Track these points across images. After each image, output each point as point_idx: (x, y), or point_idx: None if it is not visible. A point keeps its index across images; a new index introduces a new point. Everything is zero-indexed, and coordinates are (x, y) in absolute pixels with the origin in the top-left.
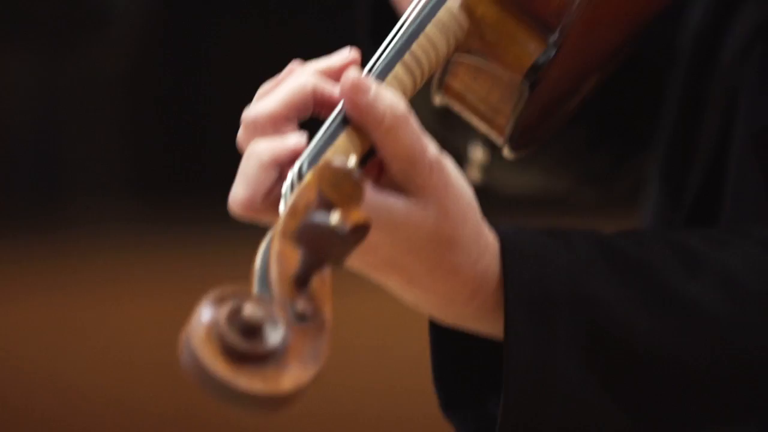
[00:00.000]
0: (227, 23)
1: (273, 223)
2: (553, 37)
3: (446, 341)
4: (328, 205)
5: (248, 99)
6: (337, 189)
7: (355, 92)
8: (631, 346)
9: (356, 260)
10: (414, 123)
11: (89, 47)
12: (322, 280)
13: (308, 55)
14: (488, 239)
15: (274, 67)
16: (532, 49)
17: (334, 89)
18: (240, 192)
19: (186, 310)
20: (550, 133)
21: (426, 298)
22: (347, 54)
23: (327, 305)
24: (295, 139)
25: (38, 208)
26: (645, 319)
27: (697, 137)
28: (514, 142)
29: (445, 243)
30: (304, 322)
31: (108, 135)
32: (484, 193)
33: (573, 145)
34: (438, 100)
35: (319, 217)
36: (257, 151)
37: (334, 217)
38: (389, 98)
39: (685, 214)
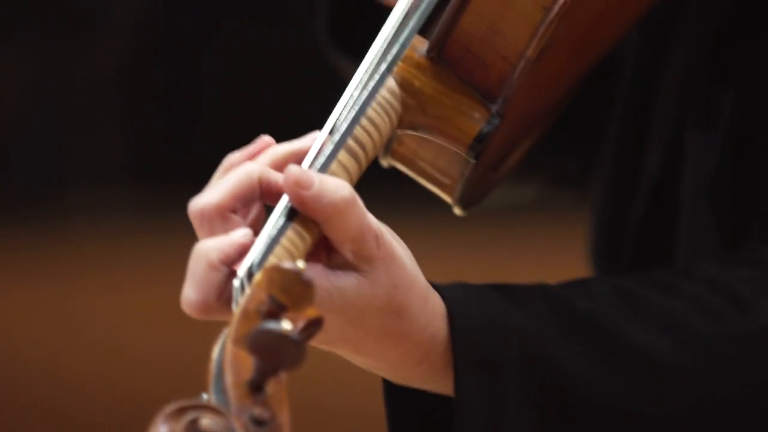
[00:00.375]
0: (226, 15)
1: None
2: (496, 107)
3: (400, 395)
4: (279, 308)
5: (245, 90)
6: (287, 292)
7: (299, 187)
8: (583, 401)
9: None
10: (359, 202)
11: (88, 38)
12: (278, 383)
13: (305, 51)
14: (435, 303)
15: (271, 60)
16: (475, 120)
17: (280, 178)
18: (192, 295)
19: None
20: (499, 183)
21: (376, 364)
22: (293, 144)
23: (284, 409)
24: (240, 234)
25: (37, 197)
26: (596, 373)
27: (641, 160)
28: (464, 202)
29: (395, 313)
30: (261, 428)
31: (106, 125)
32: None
33: (538, 153)
34: (385, 163)
35: (271, 324)
36: (204, 251)
37: (286, 324)
38: (332, 186)
39: (630, 236)
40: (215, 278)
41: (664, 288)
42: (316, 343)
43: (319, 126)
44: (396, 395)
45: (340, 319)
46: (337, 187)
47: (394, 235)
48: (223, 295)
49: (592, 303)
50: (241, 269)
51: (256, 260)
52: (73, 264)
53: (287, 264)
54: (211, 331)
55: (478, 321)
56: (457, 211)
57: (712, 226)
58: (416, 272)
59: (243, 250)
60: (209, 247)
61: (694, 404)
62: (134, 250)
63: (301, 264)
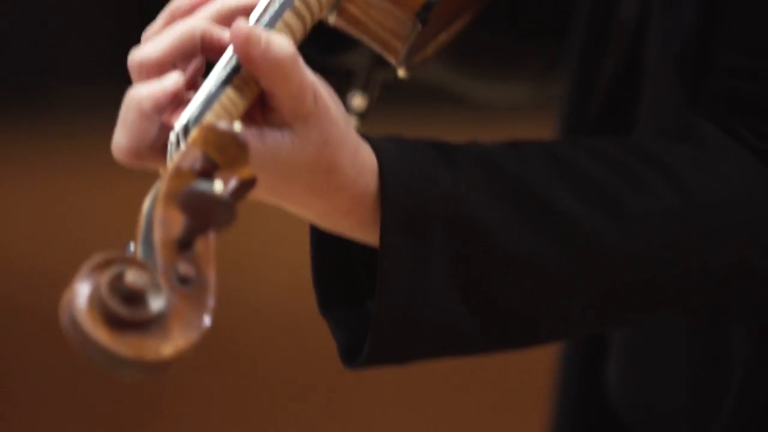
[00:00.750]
0: None
1: (159, 170)
2: None
3: (325, 242)
4: (213, 166)
5: None
6: (222, 152)
7: (247, 44)
8: (506, 266)
9: None
10: (301, 61)
11: None
12: (206, 243)
13: None
14: (366, 157)
15: None
16: None
17: (223, 34)
18: (122, 141)
19: None
20: (443, 47)
21: (303, 213)
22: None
23: (211, 268)
24: (173, 79)
25: (22, 92)
26: (522, 239)
27: (608, 37)
28: (407, 63)
29: (324, 169)
30: (186, 285)
31: (92, 19)
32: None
33: (499, 47)
34: (331, 20)
35: (203, 184)
36: (136, 98)
37: (218, 185)
38: (278, 44)
39: (594, 113)
40: (146, 126)
41: (600, 158)
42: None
43: None
44: (321, 240)
45: (270, 176)
46: (283, 45)
47: (329, 90)
48: (153, 143)
49: (525, 167)
50: (178, 124)
51: (193, 116)
52: (60, 159)
53: (224, 124)
54: None
55: (408, 178)
56: (401, 72)
57: (676, 97)
58: (348, 128)
59: (174, 98)
60: (141, 95)
61: (617, 278)
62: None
63: (237, 126)
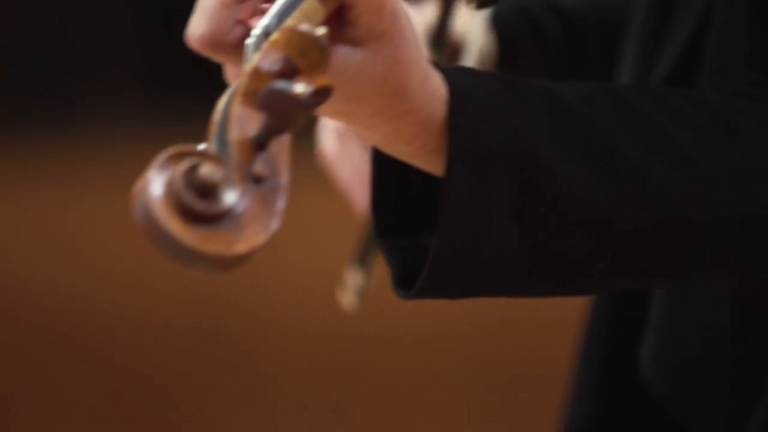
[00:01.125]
0: None
1: (229, 65)
2: None
3: (387, 168)
4: (293, 70)
5: None
6: (304, 55)
7: None
8: (566, 205)
9: None
10: None
11: None
12: (281, 144)
13: None
14: (435, 84)
15: None
16: None
17: None
18: (199, 27)
19: None
20: None
21: (368, 135)
22: None
23: (284, 169)
24: None
25: (49, 104)
26: (585, 179)
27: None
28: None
29: (392, 90)
30: (259, 185)
31: (117, 32)
32: None
33: None
34: None
35: (283, 84)
36: None
37: (299, 87)
38: None
39: (664, 69)
40: (224, 15)
41: (666, 108)
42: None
43: None
44: (382, 166)
45: (338, 94)
46: None
47: (405, 10)
48: (229, 35)
49: (592, 110)
50: (258, 26)
51: (274, 19)
52: (85, 171)
53: (308, 27)
54: None
55: (477, 109)
56: (472, 5)
57: (738, 62)
58: (420, 52)
59: None
60: None
61: (675, 227)
62: (145, 158)
63: (322, 30)
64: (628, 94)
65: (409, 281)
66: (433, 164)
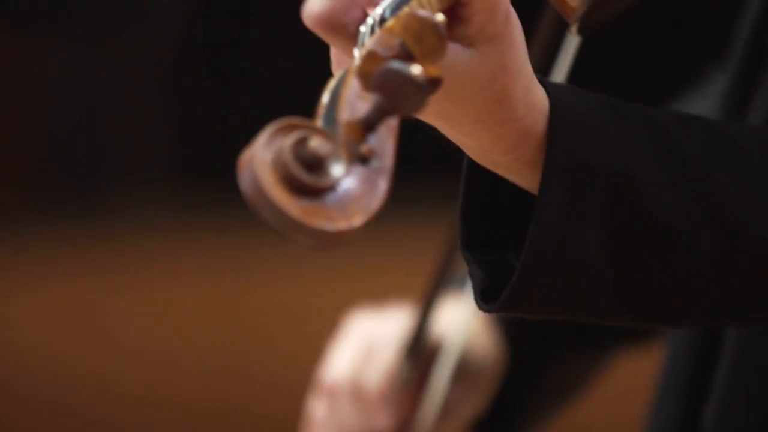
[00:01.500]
0: (267, 7)
1: (339, 50)
2: None
3: (479, 181)
4: (408, 56)
5: (287, 84)
6: (420, 42)
7: None
8: (653, 233)
9: None
10: None
11: (131, 35)
12: (389, 127)
13: None
14: (538, 96)
15: (313, 50)
16: None
17: None
18: (317, 5)
19: (222, 295)
20: (617, 13)
21: (466, 142)
22: None
23: (391, 152)
24: None
25: (81, 193)
26: (677, 210)
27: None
28: (584, 20)
29: (496, 96)
30: (366, 165)
31: (148, 121)
32: None
33: None
34: None
35: (400, 65)
36: None
37: (416, 69)
38: None
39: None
40: None
41: (763, 145)
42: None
43: None
44: (475, 178)
45: (443, 93)
46: None
47: (517, 18)
48: (346, 17)
49: (690, 139)
50: (375, 11)
51: (391, 6)
52: (116, 259)
53: (427, 13)
54: (243, 336)
55: (578, 125)
56: (574, 30)
57: None
58: (526, 60)
59: None
60: None
61: (759, 270)
62: (176, 246)
63: (440, 17)
64: (725, 128)
65: (491, 296)
66: (527, 177)
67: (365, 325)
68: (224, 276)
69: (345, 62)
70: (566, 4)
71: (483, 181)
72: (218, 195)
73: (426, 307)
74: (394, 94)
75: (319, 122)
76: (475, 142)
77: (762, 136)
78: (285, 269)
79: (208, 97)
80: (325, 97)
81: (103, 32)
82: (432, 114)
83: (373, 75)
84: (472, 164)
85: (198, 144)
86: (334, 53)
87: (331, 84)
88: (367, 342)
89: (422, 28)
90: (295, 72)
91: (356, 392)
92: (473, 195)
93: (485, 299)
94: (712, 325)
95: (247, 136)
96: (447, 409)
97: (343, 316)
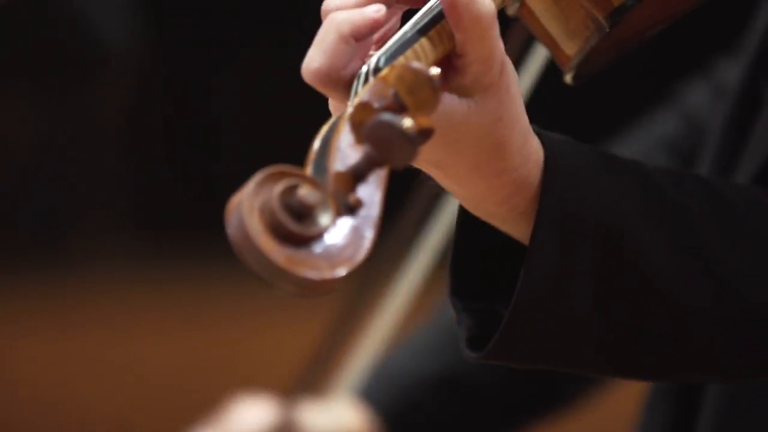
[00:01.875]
0: (227, 58)
1: (335, 101)
2: None
3: (470, 230)
4: (400, 107)
5: (247, 137)
6: (413, 93)
7: None
8: (643, 290)
9: None
10: (497, 29)
11: (91, 87)
12: (379, 178)
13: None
14: (533, 147)
15: (270, 101)
16: None
17: None
18: (316, 60)
19: (190, 347)
20: (610, 63)
21: (461, 192)
22: None
23: (378, 203)
24: (375, 8)
25: (44, 245)
26: (664, 260)
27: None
28: (579, 69)
29: (493, 146)
30: (353, 215)
31: (111, 173)
32: None
33: None
34: (511, 11)
35: (392, 118)
36: (337, 21)
37: (407, 121)
38: (482, 1)
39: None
40: (342, 50)
41: (750, 202)
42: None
43: None
44: (468, 227)
45: (439, 142)
46: (486, 3)
47: (513, 69)
48: (344, 71)
49: (683, 196)
50: (370, 61)
51: (386, 56)
52: (80, 312)
53: (421, 66)
54: (211, 389)
55: (572, 178)
56: (568, 78)
57: None
58: (523, 110)
59: (374, 27)
60: (342, 19)
61: (752, 317)
62: (140, 298)
63: (435, 70)
64: (716, 185)
65: (478, 343)
66: (521, 228)
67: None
68: (184, 329)
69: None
70: (562, 52)
71: (474, 231)
72: (178, 247)
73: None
74: (384, 145)
75: (309, 170)
76: (470, 192)
77: (750, 193)
78: (244, 322)
79: (168, 149)
80: (317, 144)
81: (63, 85)
82: (428, 163)
83: (364, 125)
84: (464, 213)
85: (158, 197)
86: (332, 103)
87: (323, 131)
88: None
89: (416, 80)
90: (256, 124)
91: None
92: (463, 243)
93: (472, 347)
94: (699, 382)
95: (208, 186)
96: None
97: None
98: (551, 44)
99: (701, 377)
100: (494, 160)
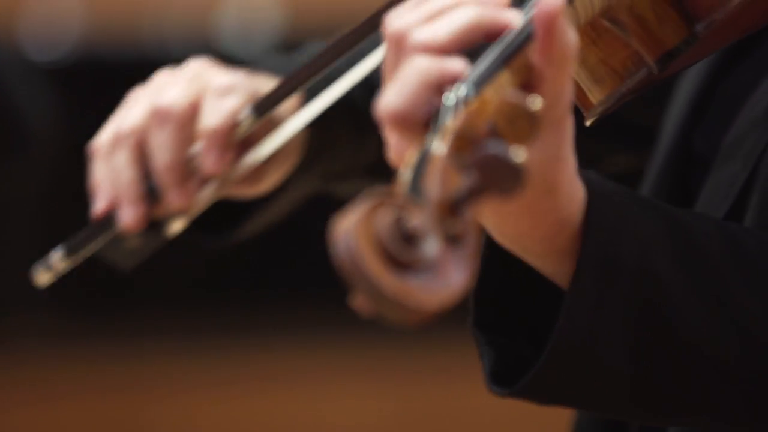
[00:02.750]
0: None
1: (401, 141)
2: (698, 27)
3: (500, 262)
4: (496, 138)
5: None
6: (512, 125)
7: (554, 17)
8: (673, 330)
9: None
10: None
11: (5, 170)
12: (476, 211)
13: None
14: (577, 186)
15: None
16: (675, 34)
17: (496, 17)
18: (395, 101)
19: (111, 422)
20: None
21: (503, 228)
22: None
23: (478, 234)
24: (460, 64)
25: None
26: (693, 309)
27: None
28: (603, 110)
29: (544, 187)
30: (455, 245)
31: (29, 252)
32: None
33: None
34: None
35: (500, 148)
36: (423, 67)
37: (516, 152)
38: (573, 32)
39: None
40: (423, 95)
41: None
42: None
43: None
44: (496, 258)
45: None
46: (574, 35)
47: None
48: (419, 114)
49: (706, 239)
50: (454, 93)
51: (473, 88)
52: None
53: (521, 96)
54: None
55: (613, 220)
56: (589, 121)
57: None
58: (573, 153)
59: (454, 81)
60: (428, 65)
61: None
62: (59, 377)
63: (538, 102)
64: (730, 228)
65: (501, 378)
66: (554, 265)
67: (209, 68)
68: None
69: (405, 151)
70: (586, 99)
71: (500, 262)
72: (99, 326)
73: (294, 83)
74: (491, 176)
75: (408, 199)
76: (513, 229)
77: (758, 235)
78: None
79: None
80: (406, 176)
81: None
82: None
83: (471, 157)
84: (490, 246)
85: (78, 276)
86: (395, 144)
87: (411, 163)
88: (210, 82)
89: (516, 111)
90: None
91: (186, 121)
92: (489, 276)
93: (496, 381)
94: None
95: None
96: (256, 174)
97: None
98: (584, 81)
99: (727, 428)
100: (545, 200)
